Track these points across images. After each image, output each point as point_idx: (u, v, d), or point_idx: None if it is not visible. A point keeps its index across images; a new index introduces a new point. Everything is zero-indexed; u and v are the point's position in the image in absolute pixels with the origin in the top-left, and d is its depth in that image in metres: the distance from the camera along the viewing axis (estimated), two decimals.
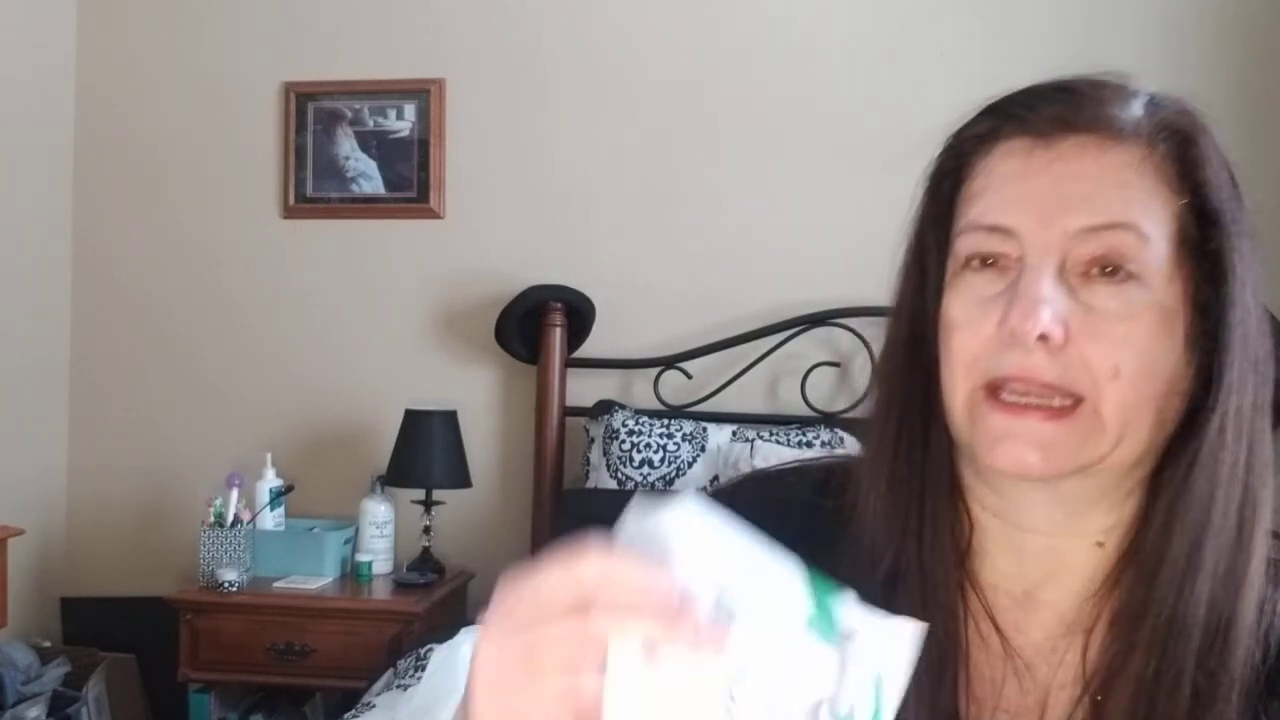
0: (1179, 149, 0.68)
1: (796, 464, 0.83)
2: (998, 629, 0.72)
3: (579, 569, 0.48)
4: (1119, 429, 0.65)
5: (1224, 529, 0.66)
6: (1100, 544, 0.71)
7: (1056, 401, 0.65)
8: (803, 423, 2.94)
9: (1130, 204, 0.66)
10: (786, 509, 0.74)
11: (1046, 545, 0.72)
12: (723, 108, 3.15)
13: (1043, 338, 0.64)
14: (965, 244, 0.70)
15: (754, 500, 0.73)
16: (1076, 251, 0.66)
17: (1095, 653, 0.69)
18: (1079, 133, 0.68)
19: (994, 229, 0.68)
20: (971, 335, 0.68)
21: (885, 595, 0.67)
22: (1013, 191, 0.68)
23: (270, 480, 3.09)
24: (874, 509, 0.72)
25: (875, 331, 2.84)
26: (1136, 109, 0.69)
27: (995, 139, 0.71)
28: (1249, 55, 2.93)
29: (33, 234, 3.29)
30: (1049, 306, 0.64)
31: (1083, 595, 0.71)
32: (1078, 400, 0.65)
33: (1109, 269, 0.65)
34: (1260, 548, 0.67)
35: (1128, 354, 0.65)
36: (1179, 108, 0.70)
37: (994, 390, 0.67)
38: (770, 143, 3.13)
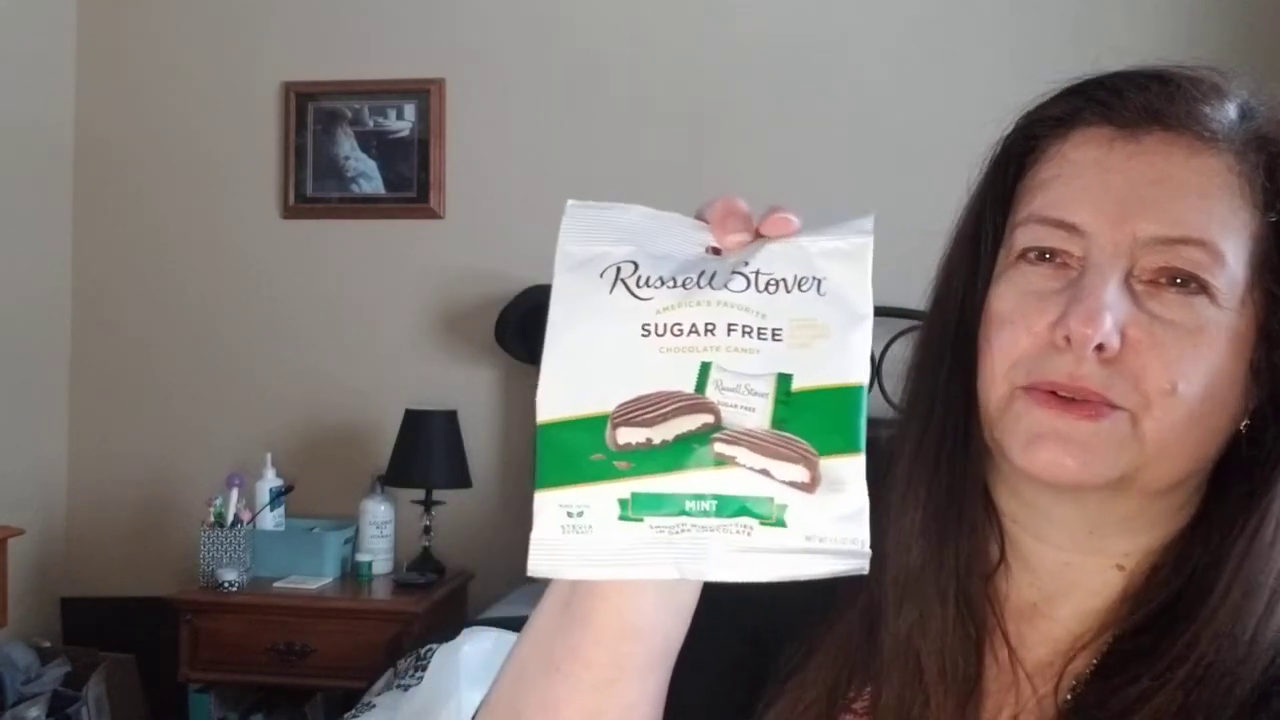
0: (1271, 162, 0.62)
1: None
2: (1007, 642, 0.68)
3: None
4: (1159, 444, 0.61)
5: (1278, 575, 0.62)
6: (1121, 567, 0.67)
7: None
8: None
9: (1210, 219, 0.61)
10: None
11: (1063, 561, 0.68)
12: (725, 106, 3.15)
13: (1099, 347, 0.59)
14: (1024, 235, 0.65)
15: None
16: (1144, 260, 0.61)
17: (1085, 663, 0.65)
18: (1168, 129, 0.62)
19: (1059, 224, 0.63)
20: (1020, 333, 0.63)
21: (899, 597, 0.66)
22: (1085, 185, 0.63)
23: (270, 480, 3.09)
24: (910, 519, 0.67)
25: (879, 331, 2.84)
26: (1231, 111, 0.63)
27: (1073, 124, 0.65)
28: None
29: (32, 235, 3.29)
30: (1110, 313, 0.59)
31: (1096, 614, 0.67)
32: (1118, 409, 0.61)
33: (1179, 279, 0.61)
34: None
35: (1189, 371, 0.60)
36: (1276, 116, 0.64)
37: (1034, 389, 0.62)
38: (773, 141, 3.13)
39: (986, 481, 0.69)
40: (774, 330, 0.51)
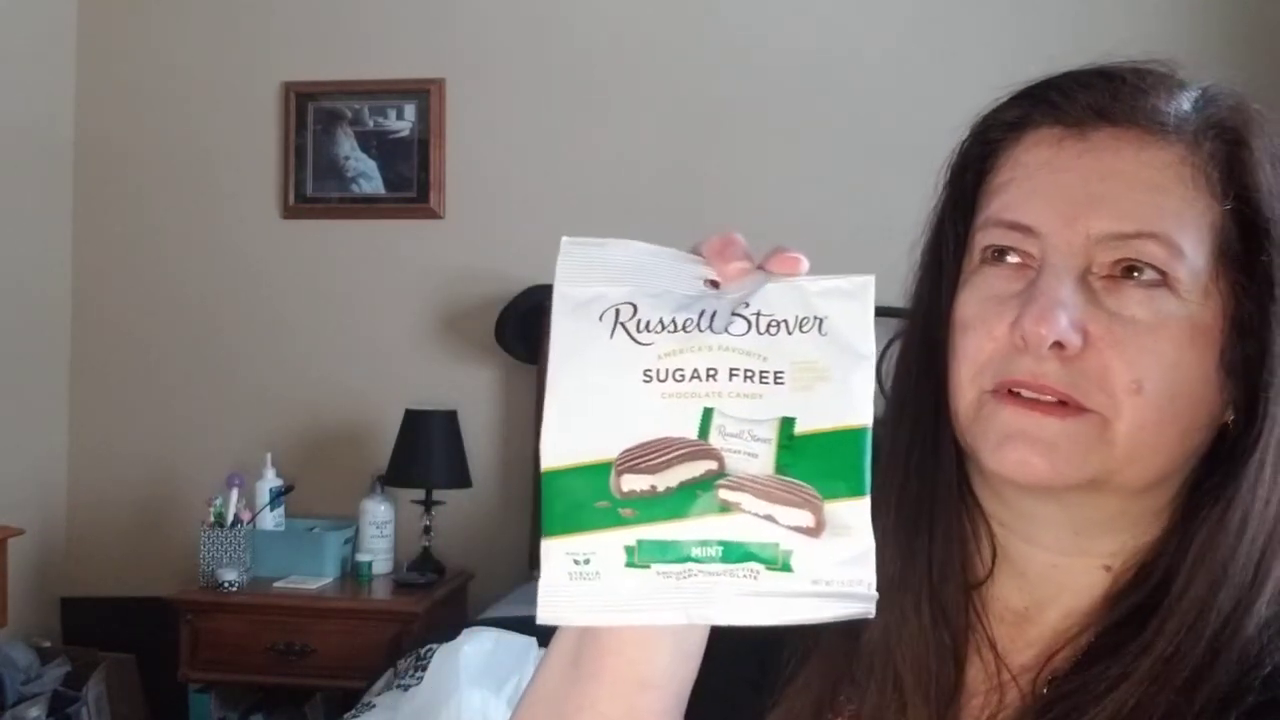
0: (1227, 150, 0.62)
1: None
2: (993, 647, 0.67)
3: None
4: (1131, 447, 0.60)
5: (1246, 567, 0.61)
6: (1108, 568, 0.66)
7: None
8: None
9: (1163, 211, 0.60)
10: None
11: (1051, 564, 0.67)
12: (723, 107, 3.15)
13: (1058, 345, 0.59)
14: (983, 239, 0.65)
15: None
16: (1100, 257, 0.61)
17: (1065, 658, 0.65)
18: (1116, 124, 0.62)
19: (1013, 226, 0.63)
20: (983, 337, 0.63)
21: (884, 603, 0.66)
22: (1037, 185, 0.63)
23: (270, 480, 3.08)
24: (880, 527, 0.67)
25: (878, 332, 2.84)
26: (1184, 103, 0.63)
27: (1025, 127, 0.65)
28: None
29: (32, 235, 3.29)
30: (1065, 311, 0.59)
31: (1081, 614, 0.66)
32: (1085, 410, 0.60)
33: (1136, 270, 0.60)
34: (1271, 583, 0.62)
35: (1153, 367, 0.59)
36: (1233, 104, 0.63)
37: (1001, 391, 0.62)
38: (772, 142, 3.13)
39: (973, 488, 0.69)
40: (776, 373, 0.50)
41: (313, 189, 3.32)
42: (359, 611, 2.91)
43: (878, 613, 0.65)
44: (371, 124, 3.29)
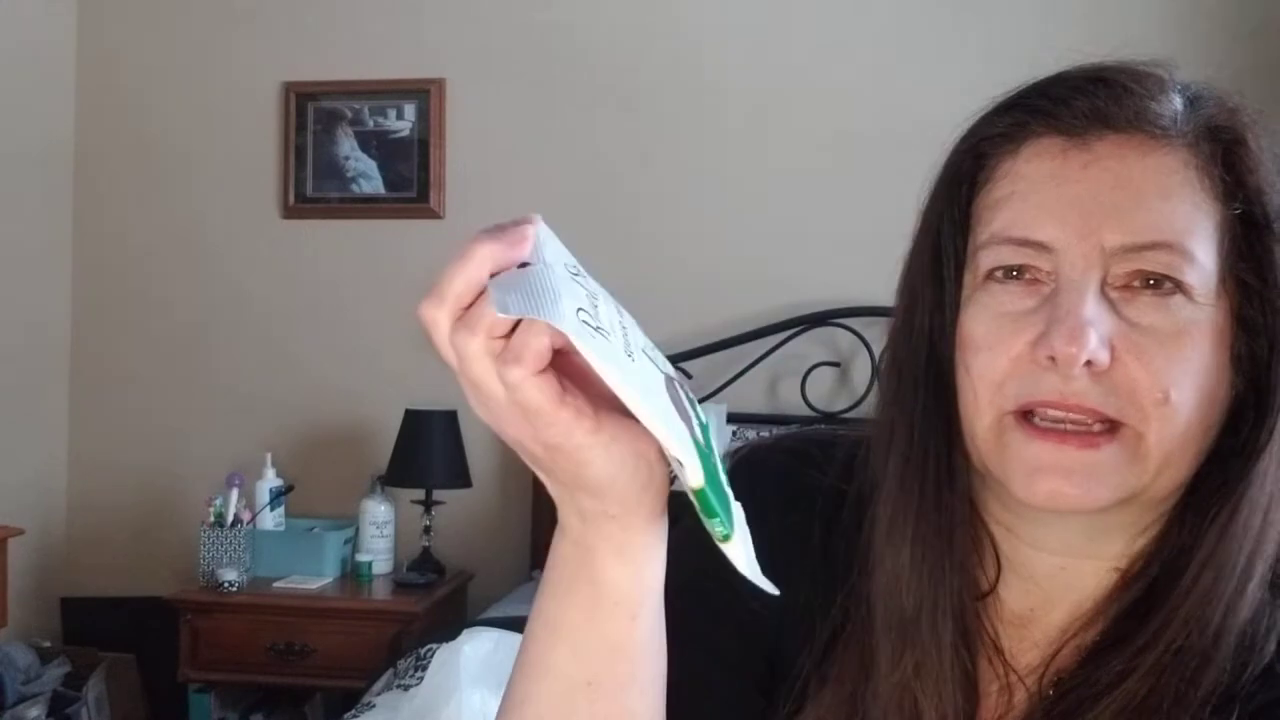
0: (1226, 151, 0.61)
1: (822, 436, 0.76)
2: (1000, 651, 0.67)
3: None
4: (1162, 458, 0.60)
5: (1245, 555, 0.62)
6: (1117, 569, 0.66)
7: (1096, 426, 0.60)
8: (803, 423, 2.94)
9: (1175, 218, 0.60)
10: (812, 493, 0.72)
11: (1059, 566, 0.67)
12: (723, 107, 3.15)
13: (1088, 363, 0.58)
14: (989, 257, 0.63)
15: (782, 473, 0.73)
16: (1115, 268, 0.60)
17: (1070, 656, 0.65)
18: (1119, 131, 0.61)
19: (1025, 243, 0.61)
20: (999, 356, 0.62)
21: (894, 643, 0.65)
22: (1044, 199, 0.61)
23: (270, 480, 3.09)
24: (898, 561, 0.66)
25: (875, 332, 2.84)
26: (1177, 103, 0.62)
27: (1021, 137, 0.63)
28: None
29: (33, 235, 3.29)
30: (1095, 330, 0.58)
31: (1086, 613, 0.66)
32: (1118, 424, 0.60)
33: (1151, 280, 0.60)
34: (1262, 565, 0.62)
35: (1179, 376, 0.59)
36: (1223, 104, 0.63)
37: (1025, 414, 0.61)
38: (771, 142, 3.13)
39: (974, 496, 0.68)
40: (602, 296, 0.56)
41: (313, 189, 3.32)
42: (359, 611, 2.91)
43: (896, 652, 0.66)
44: (371, 124, 3.29)
